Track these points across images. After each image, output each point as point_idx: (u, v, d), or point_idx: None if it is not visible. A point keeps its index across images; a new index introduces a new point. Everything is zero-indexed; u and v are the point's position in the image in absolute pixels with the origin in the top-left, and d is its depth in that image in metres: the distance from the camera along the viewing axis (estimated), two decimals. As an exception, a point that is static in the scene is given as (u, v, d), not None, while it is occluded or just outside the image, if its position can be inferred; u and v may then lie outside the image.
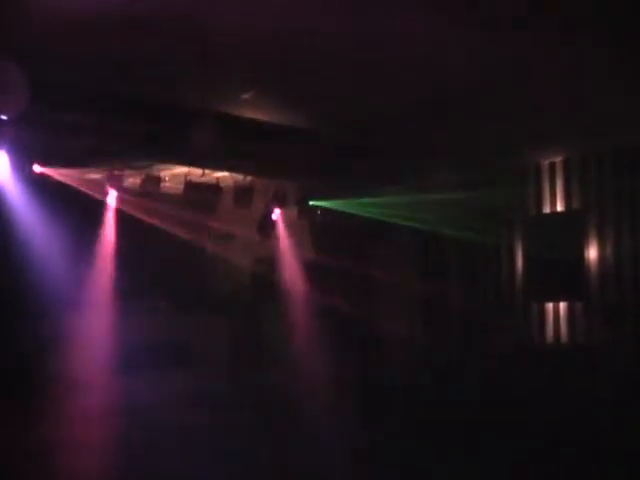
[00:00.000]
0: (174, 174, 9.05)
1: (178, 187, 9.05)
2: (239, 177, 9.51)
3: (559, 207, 9.38)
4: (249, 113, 7.52)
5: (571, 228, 9.06)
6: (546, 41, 5.68)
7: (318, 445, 6.67)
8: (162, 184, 8.92)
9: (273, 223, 10.30)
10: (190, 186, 9.02)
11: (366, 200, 9.64)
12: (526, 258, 9.64)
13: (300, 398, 8.12)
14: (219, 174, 9.32)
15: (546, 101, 7.10)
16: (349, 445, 6.58)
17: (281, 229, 10.32)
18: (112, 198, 8.57)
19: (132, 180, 8.70)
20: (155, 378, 8.35)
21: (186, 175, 9.04)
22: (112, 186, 8.49)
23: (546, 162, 9.53)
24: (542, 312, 9.39)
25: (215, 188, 9.28)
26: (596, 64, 6.20)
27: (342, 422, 7.30)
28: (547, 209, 9.52)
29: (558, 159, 9.41)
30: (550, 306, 9.32)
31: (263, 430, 7.23)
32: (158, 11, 5.23)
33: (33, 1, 5.13)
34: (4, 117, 6.71)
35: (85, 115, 6.89)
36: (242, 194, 9.52)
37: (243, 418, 7.56)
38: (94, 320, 8.15)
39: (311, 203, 10.21)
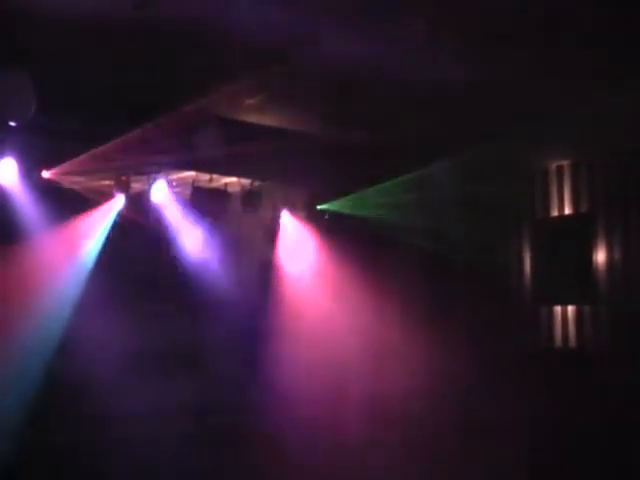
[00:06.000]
0: (181, 177, 9.08)
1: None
2: (247, 182, 9.53)
3: (567, 210, 9.33)
4: (253, 117, 7.57)
5: (579, 231, 9.02)
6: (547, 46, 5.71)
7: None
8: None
9: (281, 228, 10.28)
10: (197, 191, 9.03)
11: (373, 202, 9.58)
12: (534, 262, 9.59)
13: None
14: (227, 179, 9.34)
15: (551, 105, 7.08)
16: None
17: (289, 234, 10.29)
18: (119, 204, 8.60)
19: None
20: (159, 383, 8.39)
21: (193, 180, 9.06)
22: (119, 192, 8.52)
23: (554, 165, 9.49)
24: (550, 316, 9.33)
25: (223, 193, 9.29)
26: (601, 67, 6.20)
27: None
28: (555, 212, 9.48)
29: (566, 162, 9.37)
30: (558, 310, 9.26)
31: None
32: (164, 17, 5.31)
33: (44, 9, 5.21)
34: (13, 124, 6.77)
35: (91, 121, 6.95)
36: (250, 199, 9.53)
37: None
38: (98, 324, 8.19)
39: (319, 207, 10.20)
